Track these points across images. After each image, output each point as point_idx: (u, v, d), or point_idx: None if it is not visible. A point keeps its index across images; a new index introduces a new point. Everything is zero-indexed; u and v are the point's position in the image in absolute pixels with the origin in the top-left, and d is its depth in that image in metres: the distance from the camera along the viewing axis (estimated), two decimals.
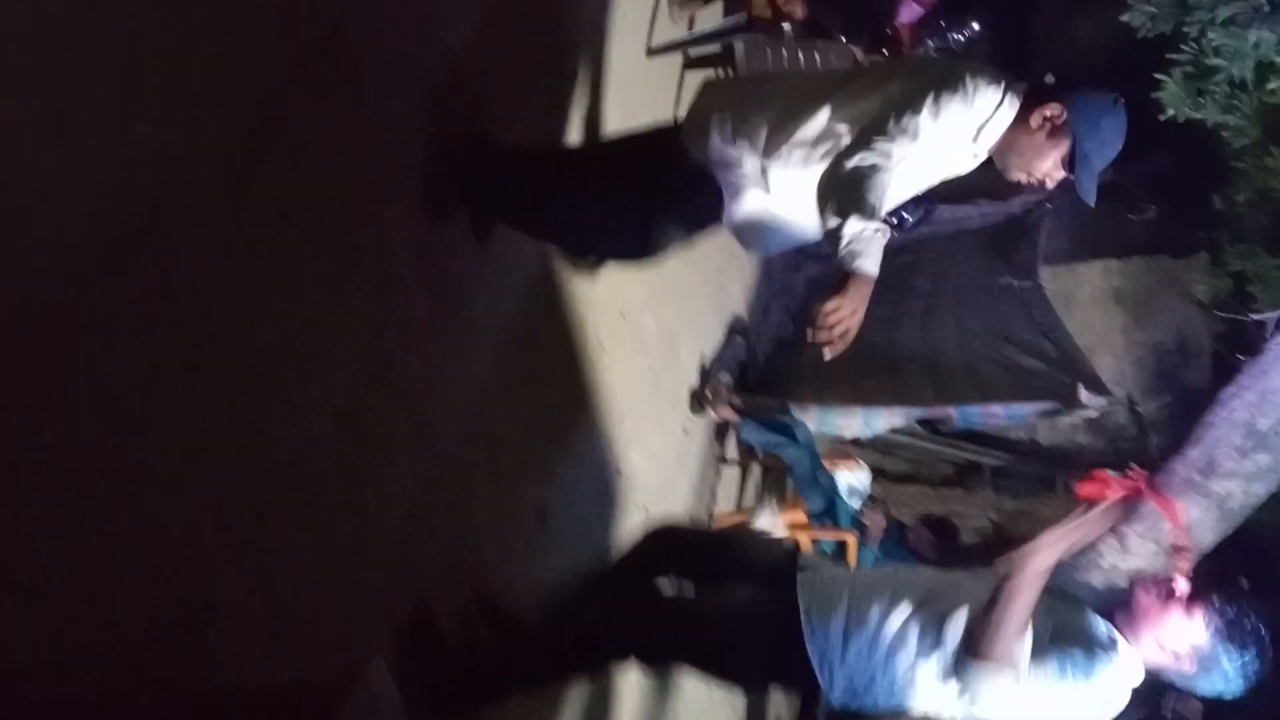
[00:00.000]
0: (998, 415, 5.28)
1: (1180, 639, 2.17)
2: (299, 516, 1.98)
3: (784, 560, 2.45)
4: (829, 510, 5.58)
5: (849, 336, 2.18)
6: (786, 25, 4.75)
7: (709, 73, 4.82)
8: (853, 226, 2.10)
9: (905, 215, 6.05)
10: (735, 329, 5.69)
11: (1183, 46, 4.58)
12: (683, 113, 2.49)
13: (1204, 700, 5.83)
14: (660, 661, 2.56)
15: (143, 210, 1.63)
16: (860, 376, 5.20)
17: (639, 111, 3.77)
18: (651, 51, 4.38)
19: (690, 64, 4.78)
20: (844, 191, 2.13)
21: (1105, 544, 4.72)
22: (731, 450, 5.65)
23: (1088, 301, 7.01)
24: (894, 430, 6.50)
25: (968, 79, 2.19)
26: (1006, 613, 2.08)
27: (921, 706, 2.28)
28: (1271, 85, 4.45)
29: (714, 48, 4.71)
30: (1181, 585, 2.24)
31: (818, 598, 2.28)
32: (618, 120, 3.69)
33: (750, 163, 2.32)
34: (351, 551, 2.14)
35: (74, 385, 1.49)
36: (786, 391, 5.33)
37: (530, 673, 2.50)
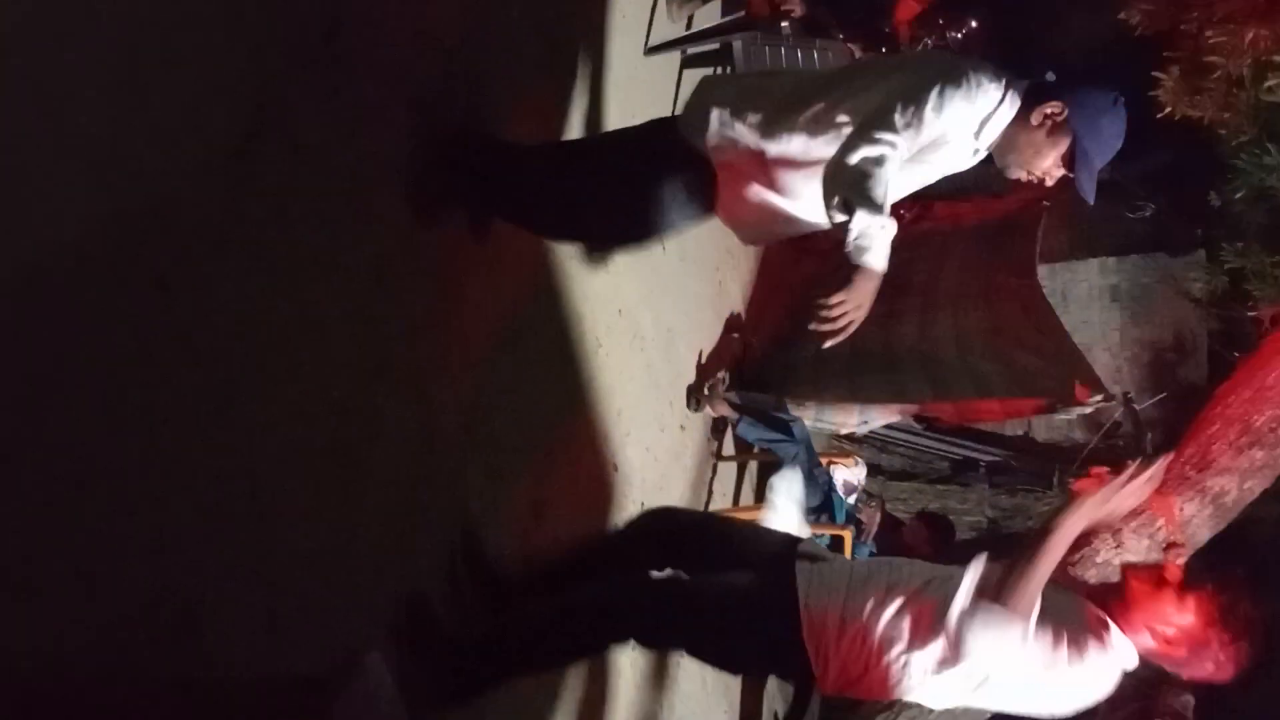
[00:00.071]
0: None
1: (1172, 625, 2.18)
2: (295, 510, 1.98)
3: (783, 548, 2.46)
4: (825, 506, 5.59)
5: (850, 330, 2.19)
6: (785, 23, 4.76)
7: (707, 71, 4.82)
8: (860, 221, 2.11)
9: (904, 212, 6.06)
10: (733, 326, 5.70)
11: (1180, 44, 4.59)
12: (681, 109, 2.49)
13: (1196, 694, 5.85)
14: (657, 644, 2.56)
15: (139, 205, 1.63)
16: (857, 373, 5.21)
17: (637, 110, 3.78)
18: (649, 50, 4.38)
19: (688, 62, 4.78)
20: (850, 186, 2.13)
21: (1100, 539, 4.74)
22: (728, 447, 5.66)
23: (1085, 298, 7.03)
24: (890, 427, 6.51)
25: (971, 74, 2.19)
26: (1037, 564, 2.09)
27: (913, 698, 2.30)
28: (1268, 83, 4.46)
29: (712, 46, 4.71)
30: (1174, 571, 2.25)
31: (815, 586, 2.29)
32: (615, 118, 3.70)
33: (749, 150, 2.30)
34: (348, 545, 2.15)
35: (69, 379, 1.49)
36: (784, 388, 5.34)
37: (527, 659, 2.50)
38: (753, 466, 6.30)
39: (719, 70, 4.83)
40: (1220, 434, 4.98)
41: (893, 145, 2.13)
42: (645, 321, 4.27)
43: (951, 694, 2.28)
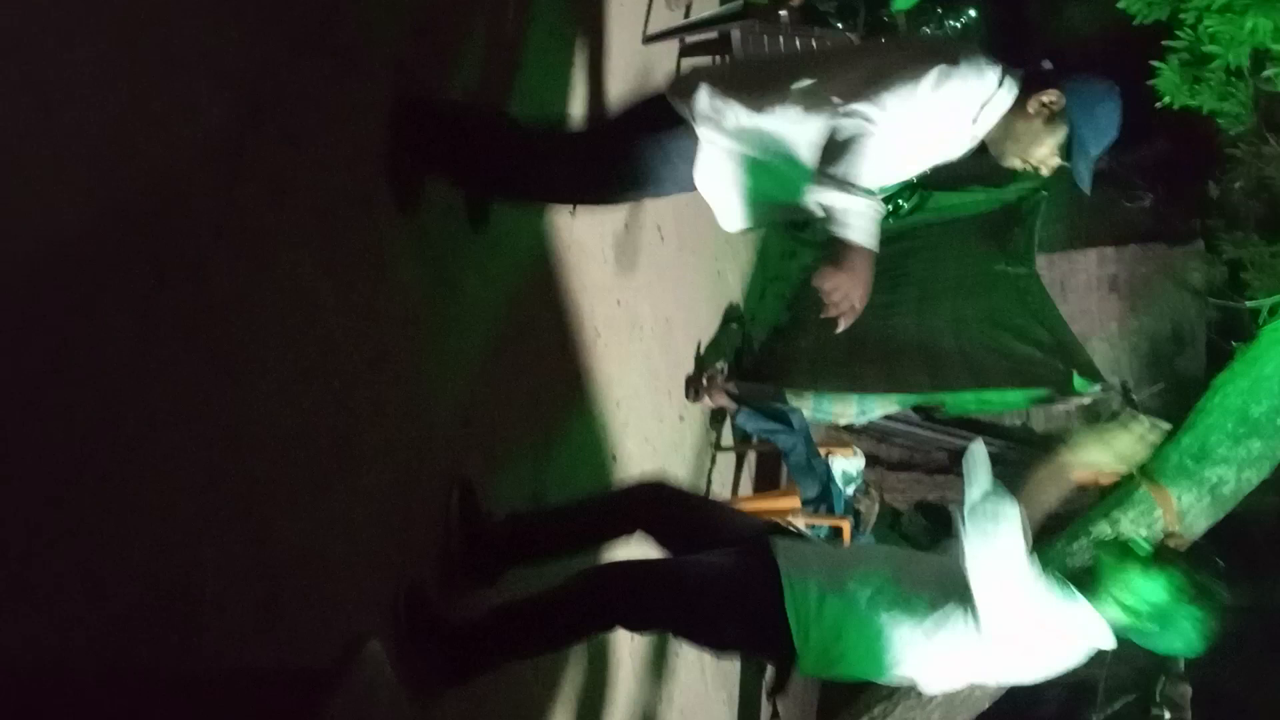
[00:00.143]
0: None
1: (1141, 598, 2.22)
2: (292, 500, 1.98)
3: (764, 531, 2.52)
4: (824, 496, 5.60)
5: (857, 310, 2.19)
6: (783, 12, 4.76)
7: (705, 60, 4.81)
8: (835, 198, 2.10)
9: (901, 202, 6.07)
10: (731, 317, 5.70)
11: (1179, 33, 4.59)
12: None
13: (1193, 684, 5.88)
14: (642, 625, 2.59)
15: (135, 195, 1.63)
16: (855, 363, 5.22)
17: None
18: (648, 38, 4.37)
19: (686, 51, 4.78)
20: (827, 162, 2.13)
21: (1097, 529, 4.75)
22: (727, 437, 5.67)
23: (1083, 288, 7.04)
24: (889, 417, 6.52)
25: (969, 57, 2.18)
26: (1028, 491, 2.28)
27: (893, 672, 2.35)
28: (1267, 72, 4.46)
29: (710, 35, 4.71)
30: (1142, 546, 2.30)
31: (795, 561, 2.34)
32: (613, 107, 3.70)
33: (738, 120, 2.26)
34: (346, 534, 2.15)
35: (65, 371, 1.49)
36: (782, 378, 5.35)
37: (519, 645, 2.52)
38: (751, 457, 6.31)
39: (717, 59, 4.82)
40: (1218, 424, 5.00)
41: (871, 121, 2.11)
42: (644, 312, 4.27)
43: (932, 654, 2.31)
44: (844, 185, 2.09)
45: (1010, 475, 2.40)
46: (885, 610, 2.28)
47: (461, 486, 2.62)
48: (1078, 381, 4.92)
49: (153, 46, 1.66)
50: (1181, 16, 4.60)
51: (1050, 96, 2.24)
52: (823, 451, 5.94)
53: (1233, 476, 4.96)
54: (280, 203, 1.98)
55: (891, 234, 6.22)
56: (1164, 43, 4.75)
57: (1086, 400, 5.29)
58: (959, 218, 6.28)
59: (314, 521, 2.04)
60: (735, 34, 4.59)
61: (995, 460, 2.40)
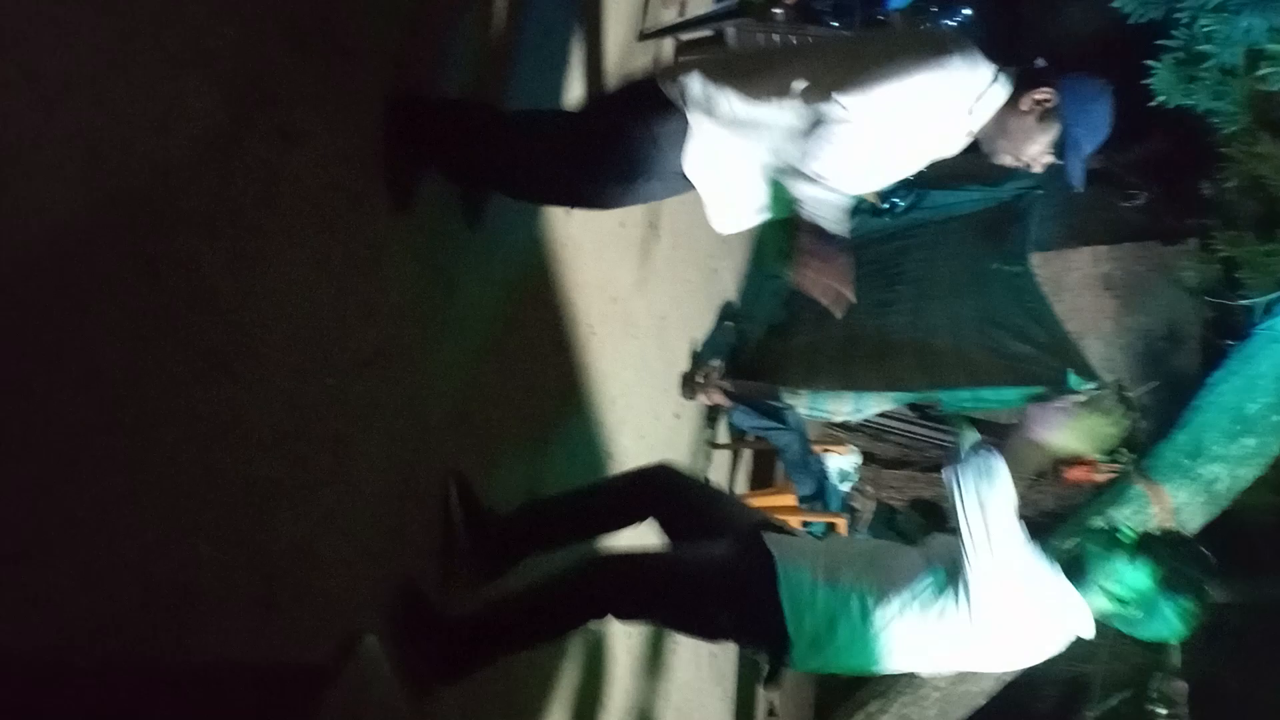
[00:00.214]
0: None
1: (1125, 585, 2.26)
2: (287, 495, 1.98)
3: (758, 524, 2.57)
4: (819, 494, 5.61)
5: (845, 294, 2.21)
6: (778, 10, 4.76)
7: (700, 57, 4.81)
8: (805, 188, 2.12)
9: (896, 200, 6.07)
10: (726, 314, 5.70)
11: (1173, 33, 4.60)
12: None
13: (1189, 681, 5.89)
14: (635, 614, 2.61)
15: (127, 187, 1.63)
16: (851, 361, 5.23)
17: None
18: (643, 35, 4.38)
19: (682, 49, 4.78)
20: (802, 151, 2.15)
21: (1091, 526, 4.76)
22: (722, 435, 5.68)
23: (1077, 287, 7.05)
24: (884, 415, 6.53)
25: (964, 48, 2.19)
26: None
27: (886, 661, 2.38)
28: (1261, 71, 4.47)
29: (705, 32, 4.71)
30: (1127, 534, 2.34)
31: (788, 551, 2.40)
32: None
33: (730, 106, 2.25)
34: (341, 530, 2.15)
35: (59, 366, 1.49)
36: (777, 376, 5.35)
37: (514, 637, 2.54)
38: (747, 454, 6.32)
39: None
40: (1212, 422, 5.01)
41: (848, 110, 2.12)
42: (639, 309, 4.27)
43: (922, 641, 2.35)
44: (812, 173, 2.12)
45: None
46: (875, 598, 2.32)
47: (458, 481, 2.63)
48: (1073, 379, 4.93)
49: (147, 42, 1.66)
50: (1176, 16, 4.61)
51: (1044, 94, 2.25)
52: (818, 449, 5.95)
53: (1227, 474, 4.98)
54: (274, 199, 1.98)
55: (887, 232, 6.24)
56: (1159, 42, 4.76)
57: (1082, 398, 5.29)
58: (954, 216, 6.29)
59: (309, 518, 2.05)
60: (730, 32, 4.60)
61: None
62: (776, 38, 4.64)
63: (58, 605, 1.47)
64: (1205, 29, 4.53)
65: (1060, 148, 2.30)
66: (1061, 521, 5.22)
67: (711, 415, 5.46)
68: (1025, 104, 2.25)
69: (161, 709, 1.63)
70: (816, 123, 2.15)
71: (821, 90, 2.16)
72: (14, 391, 1.41)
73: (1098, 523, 4.48)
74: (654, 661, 4.04)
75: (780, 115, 2.22)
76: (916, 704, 5.49)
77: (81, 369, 1.52)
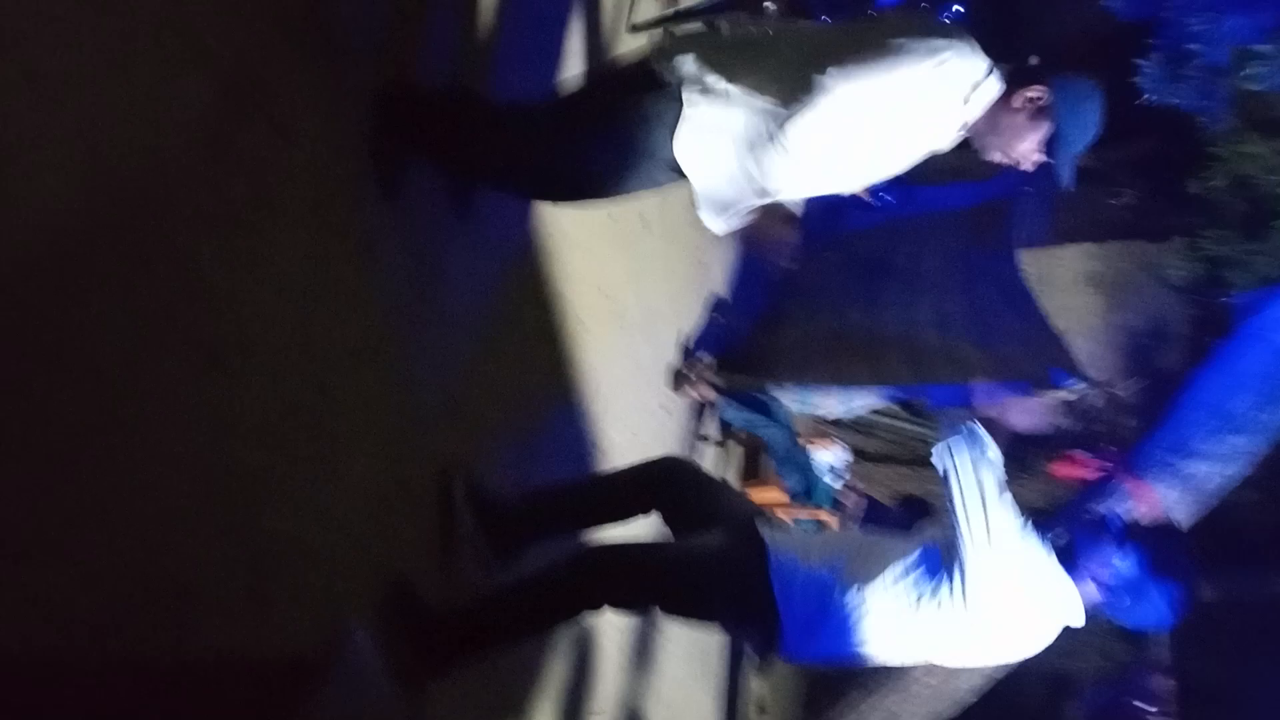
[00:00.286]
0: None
1: (1114, 572, 2.30)
2: (278, 489, 1.98)
3: (753, 513, 2.63)
4: (807, 490, 5.62)
5: (782, 240, 2.27)
6: (770, 4, 4.76)
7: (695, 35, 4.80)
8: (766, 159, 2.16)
9: (885, 196, 6.08)
10: (716, 308, 5.71)
11: (1162, 31, 4.62)
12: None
13: (1177, 680, 5.93)
14: (632, 603, 2.64)
15: (119, 179, 1.62)
16: (839, 356, 5.24)
17: None
18: (635, 28, 4.37)
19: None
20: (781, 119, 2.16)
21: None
22: (711, 429, 5.68)
23: (1065, 284, 7.07)
24: (873, 411, 6.54)
25: (962, 36, 2.18)
26: None
27: (874, 647, 2.41)
28: (1248, 71, 4.49)
29: (698, 26, 4.71)
30: (1115, 522, 2.39)
31: (781, 538, 2.47)
32: None
33: (724, 85, 2.21)
34: (331, 524, 2.15)
35: (50, 362, 1.49)
36: (766, 371, 5.36)
37: (511, 628, 2.55)
38: (735, 449, 6.33)
39: None
40: (1198, 420, 5.04)
41: (828, 89, 2.11)
42: (629, 303, 4.27)
43: (913, 627, 2.37)
44: (782, 143, 2.14)
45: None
46: (866, 583, 2.36)
47: (465, 471, 2.67)
48: (1058, 376, 4.95)
49: (140, 35, 1.66)
50: (1164, 15, 4.63)
51: (1037, 92, 2.26)
52: (805, 444, 5.96)
53: (1214, 473, 5.00)
54: (266, 192, 1.98)
55: (875, 228, 6.25)
56: (1147, 41, 4.78)
57: (1069, 396, 5.33)
58: (943, 213, 6.30)
59: (299, 512, 2.05)
60: (723, 25, 4.60)
61: None
62: (770, 31, 4.64)
63: (54, 604, 1.46)
64: (1193, 28, 4.55)
65: (1050, 146, 2.30)
66: (1049, 518, 5.25)
67: (700, 409, 5.46)
68: (1018, 101, 2.26)
69: (153, 704, 1.63)
70: (793, 102, 2.14)
71: (816, 66, 2.14)
72: (11, 390, 1.41)
73: (1086, 515, 4.51)
74: (644, 657, 4.05)
75: (771, 92, 2.19)
76: (905, 701, 5.51)
77: (75, 365, 1.52)
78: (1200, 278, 5.94)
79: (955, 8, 6.15)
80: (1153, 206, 6.52)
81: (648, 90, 2.25)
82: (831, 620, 2.36)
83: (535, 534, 2.71)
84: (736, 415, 5.41)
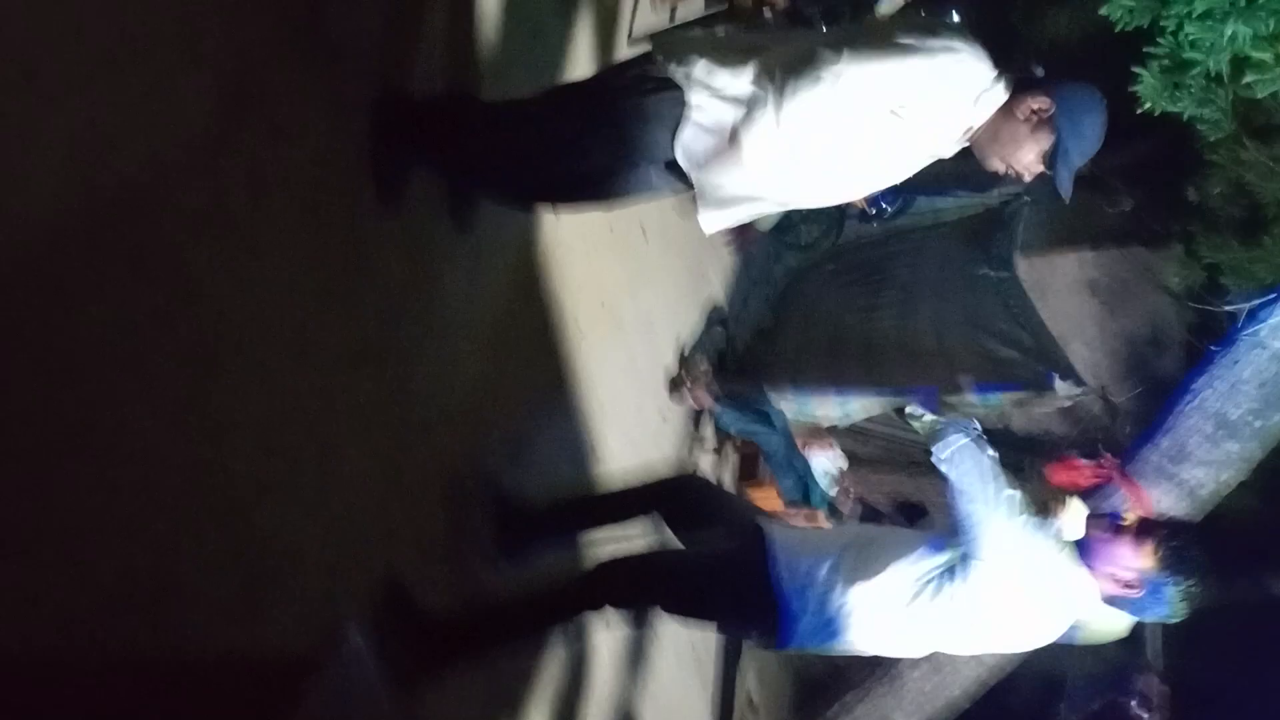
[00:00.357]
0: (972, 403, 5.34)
1: (1130, 567, 2.31)
2: (272, 490, 1.98)
3: (755, 514, 2.73)
4: (804, 495, 5.62)
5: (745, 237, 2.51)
6: (767, 13, 4.77)
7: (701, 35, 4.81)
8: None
9: (884, 204, 6.09)
10: (714, 318, 5.71)
11: (1159, 40, 4.61)
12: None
13: (1173, 683, 5.93)
14: (634, 605, 2.68)
15: (115, 181, 1.62)
16: (837, 363, 5.25)
17: None
18: (633, 39, 4.38)
19: None
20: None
21: None
22: (708, 436, 5.68)
23: (1063, 291, 7.08)
24: (870, 419, 6.54)
25: (973, 39, 2.19)
26: None
27: (882, 634, 2.47)
28: (1247, 79, 4.49)
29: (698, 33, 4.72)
30: (1130, 517, 2.42)
31: (781, 531, 2.56)
32: None
33: (733, 88, 2.19)
34: (325, 525, 2.15)
35: (46, 360, 1.49)
36: (765, 378, 5.36)
37: (509, 627, 2.58)
38: (732, 456, 6.32)
39: None
40: (1196, 426, 5.04)
41: (830, 65, 2.11)
42: (627, 310, 4.28)
43: (922, 615, 2.41)
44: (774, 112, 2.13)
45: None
46: (868, 575, 2.41)
47: (486, 471, 2.84)
48: (1057, 383, 4.96)
49: (138, 38, 1.66)
50: (1162, 24, 4.62)
51: (1041, 104, 2.25)
52: (802, 449, 5.96)
53: (1211, 478, 5.00)
54: (263, 195, 1.98)
55: (875, 237, 6.26)
56: (1145, 49, 4.77)
57: (1066, 402, 5.33)
58: (941, 220, 6.31)
59: (294, 513, 2.05)
60: (722, 30, 4.61)
61: None
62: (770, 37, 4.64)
63: (48, 604, 1.46)
64: (1191, 37, 4.55)
65: (1051, 158, 2.30)
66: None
67: (698, 416, 5.46)
68: (1021, 112, 2.25)
69: (149, 705, 1.63)
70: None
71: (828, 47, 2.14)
72: (8, 389, 1.41)
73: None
74: (635, 655, 4.05)
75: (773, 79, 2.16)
76: (894, 696, 5.50)
77: (71, 366, 1.52)
78: (1197, 284, 5.93)
79: (952, 14, 6.17)
80: (1150, 213, 6.51)
81: (650, 91, 2.24)
82: (833, 610, 2.40)
83: (543, 537, 2.82)
84: (734, 421, 5.41)
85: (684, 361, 5.17)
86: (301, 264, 2.10)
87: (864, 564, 2.42)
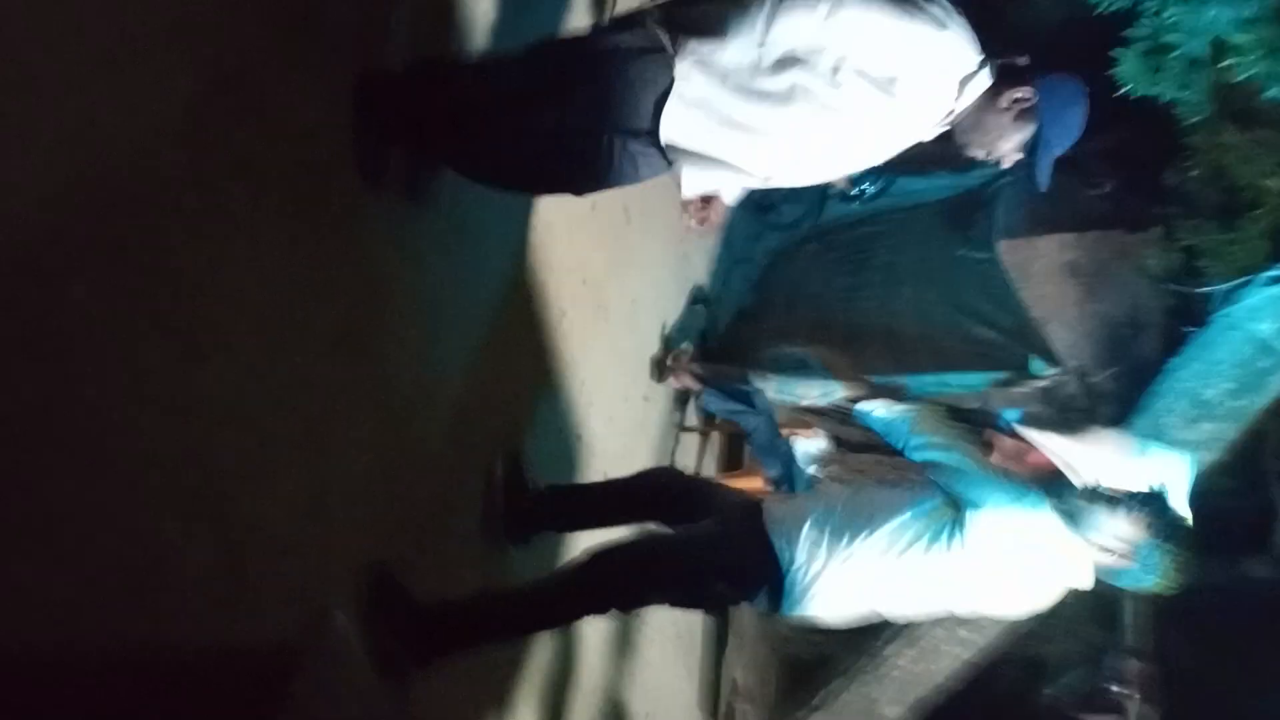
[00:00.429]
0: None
1: (1125, 539, 2.38)
2: (258, 477, 1.99)
3: (749, 501, 2.76)
4: (787, 477, 5.64)
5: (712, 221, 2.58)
6: None
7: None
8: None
9: (865, 187, 6.09)
10: (697, 298, 5.71)
11: (1140, 23, 4.63)
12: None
13: (1160, 666, 6.00)
14: (636, 602, 2.74)
15: (97, 165, 1.62)
16: (819, 345, 5.25)
17: None
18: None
19: None
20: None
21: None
22: (691, 418, 5.70)
23: (1042, 274, 7.11)
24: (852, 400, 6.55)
25: (964, 23, 2.19)
26: None
27: (875, 597, 2.56)
28: (1226, 62, 4.51)
29: None
30: (1110, 490, 2.47)
31: (775, 504, 2.65)
32: None
33: (719, 64, 2.12)
34: (311, 512, 2.16)
35: (26, 350, 1.49)
36: (747, 360, 5.37)
37: (504, 624, 2.60)
38: (715, 437, 6.35)
39: None
40: (1172, 407, 5.09)
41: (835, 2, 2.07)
42: (610, 292, 4.28)
43: (916, 577, 2.49)
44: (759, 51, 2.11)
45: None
46: (862, 534, 2.47)
47: (508, 453, 2.96)
48: (1035, 365, 4.99)
49: (121, 19, 1.65)
50: (1143, 6, 4.64)
51: (1024, 93, 2.25)
52: (785, 433, 5.98)
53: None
54: (245, 178, 1.98)
55: (855, 219, 6.26)
56: (1125, 32, 4.79)
57: (1044, 383, 5.37)
58: (922, 203, 6.32)
59: (278, 499, 2.05)
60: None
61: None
62: None
63: (23, 589, 1.47)
64: (1171, 19, 4.57)
65: (1031, 147, 2.31)
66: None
67: (681, 398, 5.47)
68: (1004, 101, 2.25)
69: (135, 693, 1.63)
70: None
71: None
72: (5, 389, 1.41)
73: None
74: (621, 641, 4.07)
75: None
76: (878, 682, 5.56)
77: (48, 351, 1.52)
78: (1177, 267, 5.97)
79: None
80: (1130, 197, 6.54)
81: (636, 53, 2.15)
82: (832, 570, 2.46)
83: (547, 525, 2.96)
84: (717, 404, 5.42)
85: (667, 342, 5.18)
86: (283, 245, 2.10)
87: (856, 519, 2.49)
